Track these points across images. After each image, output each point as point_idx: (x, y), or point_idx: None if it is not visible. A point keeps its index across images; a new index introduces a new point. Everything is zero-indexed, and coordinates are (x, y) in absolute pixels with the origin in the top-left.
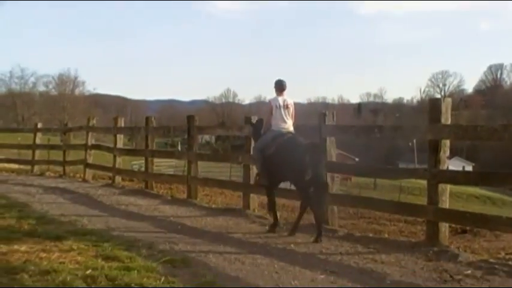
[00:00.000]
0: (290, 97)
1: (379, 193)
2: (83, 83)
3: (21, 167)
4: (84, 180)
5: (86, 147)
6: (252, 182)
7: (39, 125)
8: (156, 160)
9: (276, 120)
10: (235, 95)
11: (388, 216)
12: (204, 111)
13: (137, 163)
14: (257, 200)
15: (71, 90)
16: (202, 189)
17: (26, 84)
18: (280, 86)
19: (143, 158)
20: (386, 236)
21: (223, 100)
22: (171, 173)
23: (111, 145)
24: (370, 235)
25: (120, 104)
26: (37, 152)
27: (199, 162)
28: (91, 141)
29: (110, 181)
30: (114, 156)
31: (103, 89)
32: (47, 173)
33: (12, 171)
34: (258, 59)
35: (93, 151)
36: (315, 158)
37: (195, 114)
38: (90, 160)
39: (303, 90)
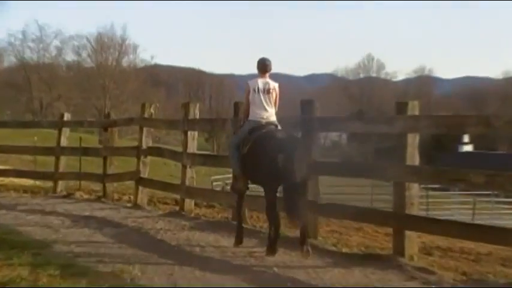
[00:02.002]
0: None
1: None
2: (135, 48)
3: (38, 183)
4: (136, 206)
5: (138, 151)
6: (406, 209)
7: (66, 117)
8: None
9: (254, 107)
10: (380, 66)
11: None
12: (329, 93)
13: (221, 178)
14: (417, 240)
15: (115, 59)
16: (325, 222)
17: (46, 51)
18: (262, 66)
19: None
20: None
21: (361, 74)
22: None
23: (178, 148)
24: None
25: (193, 81)
26: (62, 159)
27: (322, 178)
28: (147, 142)
29: (177, 207)
30: (184, 167)
31: (166, 59)
32: (78, 194)
33: (25, 190)
34: None
35: (149, 158)
36: (291, 155)
37: (313, 98)
38: (145, 173)
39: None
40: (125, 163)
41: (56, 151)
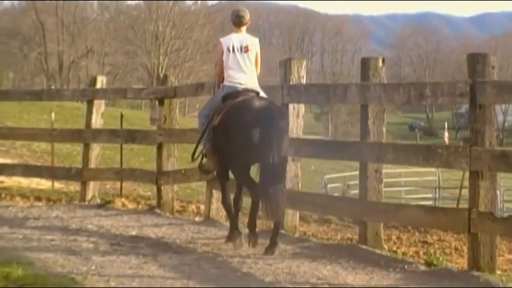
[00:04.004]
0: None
1: None
2: None
3: (58, 186)
4: (209, 220)
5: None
6: None
7: (101, 82)
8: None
9: (229, 69)
10: None
11: None
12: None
13: (338, 178)
14: None
15: None
16: (508, 246)
17: None
18: (236, 18)
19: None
20: None
21: None
22: (424, 203)
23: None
24: None
25: (297, 26)
26: (95, 148)
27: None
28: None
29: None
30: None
31: None
32: (119, 202)
33: (38, 196)
34: None
35: None
36: (268, 130)
37: (485, 51)
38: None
39: None
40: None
41: (85, 136)
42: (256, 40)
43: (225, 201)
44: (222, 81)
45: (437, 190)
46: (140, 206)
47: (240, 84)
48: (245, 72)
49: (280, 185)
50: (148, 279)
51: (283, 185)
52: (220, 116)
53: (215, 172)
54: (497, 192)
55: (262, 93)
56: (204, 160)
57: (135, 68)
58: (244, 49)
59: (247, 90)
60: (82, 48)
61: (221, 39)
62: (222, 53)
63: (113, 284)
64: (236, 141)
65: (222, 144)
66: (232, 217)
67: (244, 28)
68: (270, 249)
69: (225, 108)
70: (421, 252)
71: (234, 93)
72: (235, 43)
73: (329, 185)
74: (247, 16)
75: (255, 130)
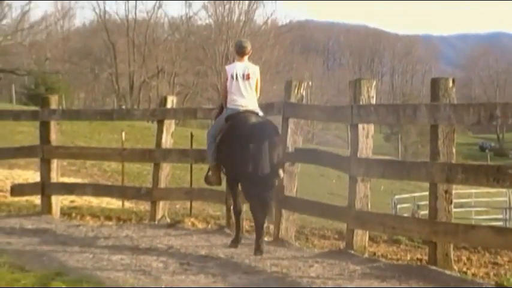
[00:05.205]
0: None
1: None
2: None
3: (128, 205)
4: (278, 240)
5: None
6: None
7: (171, 102)
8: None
9: (232, 94)
10: None
11: None
12: None
13: (408, 198)
14: None
15: (245, 13)
16: None
17: (140, 2)
18: (239, 49)
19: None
20: None
21: None
22: (494, 224)
23: (343, 151)
24: None
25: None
26: (165, 168)
27: None
28: (295, 141)
29: (341, 243)
30: (352, 180)
31: (324, 13)
32: (189, 222)
33: (108, 216)
34: None
35: (299, 166)
36: (260, 143)
37: None
38: (292, 189)
39: None
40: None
41: (155, 156)
42: (257, 68)
43: (235, 209)
44: (226, 104)
45: (507, 211)
46: (210, 226)
47: (241, 106)
48: (246, 97)
49: (269, 191)
50: None
51: (273, 192)
52: (222, 133)
53: (206, 182)
54: None
55: (261, 114)
56: (210, 173)
57: (205, 88)
58: (246, 76)
59: (247, 112)
60: (153, 69)
61: (226, 67)
62: (227, 79)
63: None
64: (234, 153)
65: (225, 159)
66: (239, 224)
67: (246, 57)
68: (257, 250)
69: (226, 127)
70: (491, 274)
71: (236, 114)
72: (238, 71)
73: (399, 206)
74: (249, 46)
75: (250, 143)
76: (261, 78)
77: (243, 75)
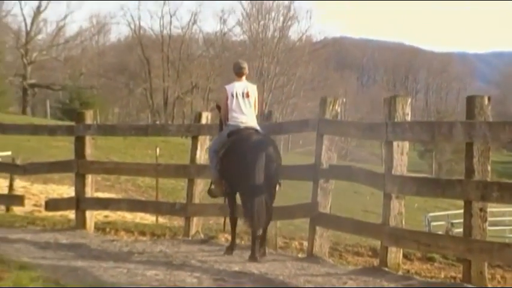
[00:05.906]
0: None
1: None
2: (310, 12)
3: (162, 221)
4: (312, 257)
5: (315, 172)
6: None
7: (206, 118)
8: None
9: (233, 112)
10: None
11: None
12: None
13: (442, 216)
14: None
15: (279, 29)
16: None
17: (174, 17)
18: (238, 70)
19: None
20: None
21: None
22: None
23: (378, 168)
24: None
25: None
26: (199, 184)
27: None
28: (329, 157)
29: (375, 260)
30: (387, 197)
31: (359, 30)
32: (223, 238)
33: (142, 231)
34: None
35: (333, 183)
36: (259, 158)
37: None
38: (326, 206)
39: None
40: (294, 190)
41: (190, 171)
42: (255, 87)
43: (232, 217)
44: (227, 121)
45: None
46: (243, 242)
47: (242, 123)
48: (246, 114)
49: (262, 200)
50: None
51: (270, 203)
52: (224, 148)
53: (210, 194)
54: None
55: (260, 130)
56: (213, 186)
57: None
58: (246, 95)
59: (247, 128)
60: (187, 84)
61: (226, 87)
62: (227, 98)
63: None
64: (236, 166)
65: (226, 171)
66: (235, 232)
67: (244, 77)
68: (251, 258)
69: (228, 142)
70: None
71: (237, 130)
72: (238, 90)
73: (432, 223)
74: (246, 67)
75: (251, 157)
76: (294, 94)
77: (243, 94)
